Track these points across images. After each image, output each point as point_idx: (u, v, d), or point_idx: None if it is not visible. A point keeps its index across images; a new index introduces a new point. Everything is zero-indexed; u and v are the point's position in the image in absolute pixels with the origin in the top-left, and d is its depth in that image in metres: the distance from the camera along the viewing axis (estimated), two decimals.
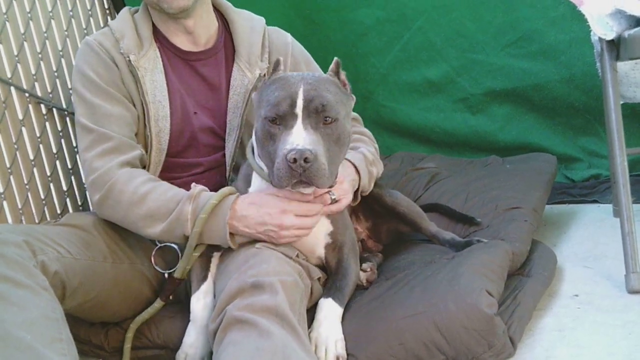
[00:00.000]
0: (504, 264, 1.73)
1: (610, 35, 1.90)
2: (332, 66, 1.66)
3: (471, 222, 2.11)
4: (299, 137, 1.47)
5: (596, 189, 2.68)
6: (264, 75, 1.87)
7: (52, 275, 1.45)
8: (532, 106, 2.84)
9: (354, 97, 1.69)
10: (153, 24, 1.89)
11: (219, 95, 1.89)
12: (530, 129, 2.86)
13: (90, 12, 2.61)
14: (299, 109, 1.51)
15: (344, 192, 1.71)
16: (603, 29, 1.91)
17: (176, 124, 1.84)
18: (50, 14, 2.34)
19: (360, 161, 1.85)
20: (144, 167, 1.82)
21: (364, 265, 1.84)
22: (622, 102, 2.06)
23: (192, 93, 1.88)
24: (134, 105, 1.82)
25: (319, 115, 1.52)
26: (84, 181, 1.77)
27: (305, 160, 1.44)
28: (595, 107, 2.63)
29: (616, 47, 1.94)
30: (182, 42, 1.88)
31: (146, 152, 1.83)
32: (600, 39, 1.95)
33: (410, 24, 2.90)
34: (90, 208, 1.92)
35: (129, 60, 1.79)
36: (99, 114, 1.76)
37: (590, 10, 1.93)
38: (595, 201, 2.64)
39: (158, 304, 1.74)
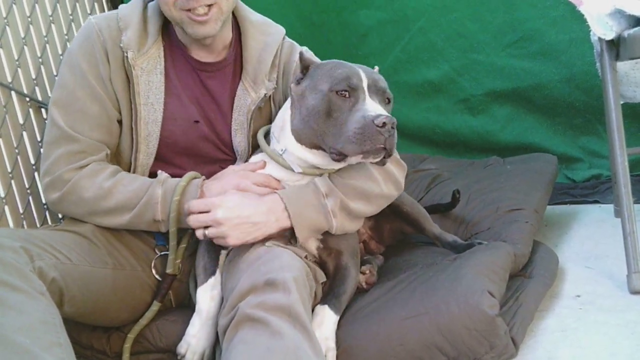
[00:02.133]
0: (505, 265, 1.73)
1: (610, 35, 1.90)
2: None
3: (454, 201, 2.16)
4: (378, 108, 1.56)
5: (597, 189, 2.68)
6: (270, 96, 1.82)
7: (49, 281, 1.44)
8: (532, 106, 2.85)
9: None
10: (166, 17, 1.75)
11: (222, 111, 1.82)
12: (531, 129, 2.86)
13: (90, 16, 2.61)
14: (365, 86, 1.60)
15: (219, 234, 1.59)
16: (603, 28, 1.90)
17: (168, 129, 1.77)
18: (51, 18, 2.35)
19: (296, 197, 1.64)
20: None
21: (363, 268, 1.83)
22: (622, 102, 2.06)
23: (196, 101, 1.80)
24: (119, 105, 1.74)
25: (382, 95, 1.63)
26: (40, 175, 1.76)
27: (392, 126, 1.51)
28: (595, 107, 2.63)
29: (616, 46, 1.94)
30: (193, 48, 1.79)
31: (131, 153, 1.78)
32: (600, 39, 1.95)
33: (410, 25, 2.91)
34: None
35: (126, 57, 1.71)
36: (74, 108, 1.72)
37: (590, 10, 1.93)
38: (596, 201, 2.64)
39: (155, 306, 1.74)
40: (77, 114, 1.72)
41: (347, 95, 1.58)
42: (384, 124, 1.49)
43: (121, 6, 1.80)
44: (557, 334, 1.66)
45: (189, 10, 1.66)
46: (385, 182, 1.77)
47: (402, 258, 1.99)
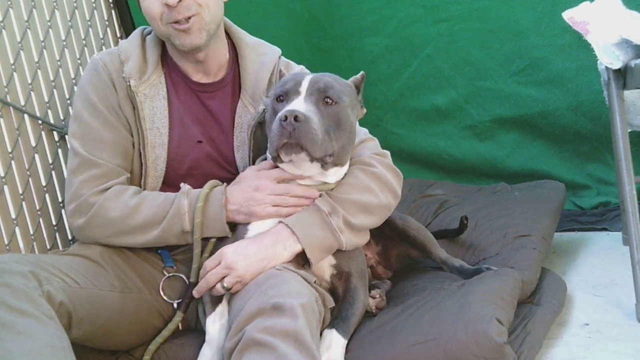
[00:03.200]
0: (514, 292, 1.72)
1: (617, 65, 1.91)
2: (357, 76, 1.80)
3: (462, 227, 2.16)
4: (296, 105, 1.59)
5: (605, 217, 2.67)
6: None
7: (57, 305, 1.45)
8: (539, 133, 2.85)
9: (364, 108, 1.83)
10: (164, 47, 1.88)
11: (224, 130, 1.87)
12: (538, 156, 2.86)
13: (102, 40, 2.65)
14: (303, 88, 1.63)
15: (236, 279, 1.60)
16: (609, 58, 1.92)
17: (174, 152, 1.83)
18: (64, 43, 2.38)
19: (301, 220, 1.67)
20: None
21: (373, 292, 1.83)
22: (629, 130, 2.06)
23: (198, 122, 1.86)
24: (131, 131, 1.81)
25: (320, 94, 1.63)
26: (65, 203, 1.80)
27: (296, 119, 1.52)
28: (602, 135, 2.64)
29: (623, 76, 1.95)
30: (191, 71, 1.86)
31: (141, 177, 1.82)
32: (607, 68, 1.97)
33: (418, 52, 2.93)
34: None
35: (129, 85, 1.79)
36: (90, 136, 1.78)
37: (597, 39, 1.94)
38: (604, 229, 2.62)
39: (178, 317, 1.74)
40: (94, 142, 1.78)
41: (282, 100, 1.64)
42: (286, 117, 1.53)
43: (121, 42, 1.91)
44: None
45: (174, 22, 1.73)
46: (382, 192, 1.78)
47: (409, 283, 1.98)
